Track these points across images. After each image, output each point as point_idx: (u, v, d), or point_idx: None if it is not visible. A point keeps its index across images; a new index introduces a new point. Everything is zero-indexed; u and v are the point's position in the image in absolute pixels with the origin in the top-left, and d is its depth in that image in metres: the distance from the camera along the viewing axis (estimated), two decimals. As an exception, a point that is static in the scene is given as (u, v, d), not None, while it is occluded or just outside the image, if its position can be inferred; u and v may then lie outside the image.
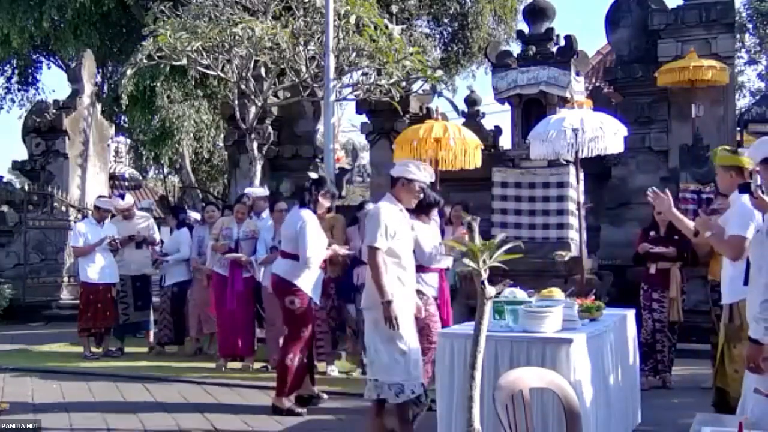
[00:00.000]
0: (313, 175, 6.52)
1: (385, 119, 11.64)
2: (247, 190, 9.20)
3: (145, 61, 9.70)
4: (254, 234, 8.11)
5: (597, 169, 10.18)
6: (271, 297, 7.94)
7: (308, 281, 6.16)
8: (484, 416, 3.64)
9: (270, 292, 7.91)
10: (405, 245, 4.98)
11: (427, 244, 5.90)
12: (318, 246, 6.16)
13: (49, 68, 21.87)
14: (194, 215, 9.36)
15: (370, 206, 7.81)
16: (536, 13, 10.18)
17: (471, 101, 12.82)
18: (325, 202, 6.40)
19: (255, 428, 5.68)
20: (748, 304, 3.79)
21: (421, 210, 5.86)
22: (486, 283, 3.01)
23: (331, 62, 9.12)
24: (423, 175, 5.08)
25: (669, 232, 7.08)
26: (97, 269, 8.81)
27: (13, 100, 21.35)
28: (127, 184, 20.31)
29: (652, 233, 7.17)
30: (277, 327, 7.98)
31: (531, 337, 4.15)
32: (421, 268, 5.76)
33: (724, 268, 4.85)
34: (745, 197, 4.47)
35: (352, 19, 9.39)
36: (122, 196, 9.72)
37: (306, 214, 6.14)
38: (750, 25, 25.31)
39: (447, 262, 6.13)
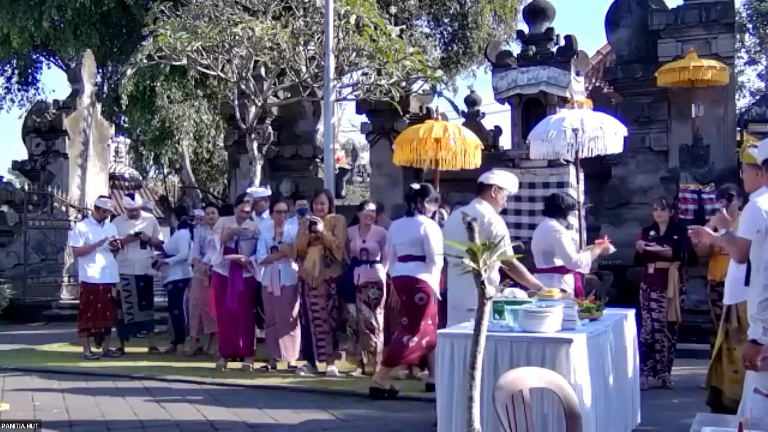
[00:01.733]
0: (416, 186, 6.85)
1: (385, 119, 11.65)
2: (249, 190, 9.21)
3: (145, 61, 9.71)
4: (254, 234, 8.12)
5: (597, 169, 10.18)
6: (271, 297, 7.98)
7: (436, 278, 6.54)
8: (484, 416, 3.64)
9: (270, 292, 7.96)
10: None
11: (572, 248, 6.08)
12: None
13: (49, 68, 21.88)
14: (202, 214, 9.38)
15: (371, 206, 7.85)
16: (536, 13, 10.20)
17: (471, 101, 12.83)
18: (430, 208, 6.66)
19: (255, 428, 5.68)
20: (748, 304, 3.79)
21: (559, 212, 6.16)
22: (486, 283, 3.01)
23: (331, 62, 9.12)
24: (512, 184, 5.51)
25: (669, 232, 7.08)
26: (98, 269, 8.81)
27: (13, 100, 21.36)
28: (127, 184, 20.35)
29: (652, 233, 7.16)
30: (276, 327, 8.01)
31: (531, 337, 4.15)
32: (562, 269, 6.01)
33: (729, 269, 4.86)
34: (760, 198, 4.42)
35: (352, 19, 9.40)
36: (132, 196, 9.75)
37: (424, 219, 6.49)
38: (750, 25, 25.28)
39: (587, 268, 6.28)
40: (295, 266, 7.88)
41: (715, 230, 5.48)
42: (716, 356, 4.97)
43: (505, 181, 5.57)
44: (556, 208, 6.20)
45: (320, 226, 7.40)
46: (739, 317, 4.74)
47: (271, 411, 6.18)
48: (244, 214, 8.15)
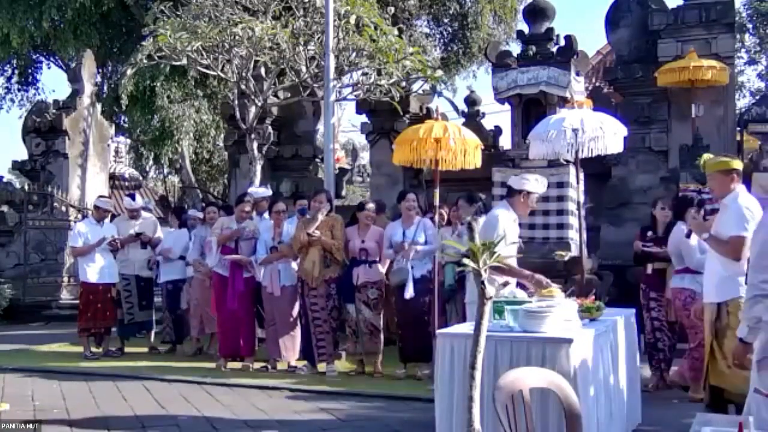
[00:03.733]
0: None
1: (385, 119, 11.64)
2: (250, 190, 9.21)
3: (145, 61, 9.70)
4: (254, 234, 8.11)
5: (597, 169, 10.17)
6: (271, 297, 7.98)
7: None
8: (484, 416, 3.64)
9: (270, 292, 7.95)
10: (510, 252, 5.36)
11: (695, 248, 6.25)
12: None
13: (49, 68, 21.87)
14: (198, 215, 9.36)
15: (370, 206, 7.86)
16: (536, 13, 10.18)
17: (471, 101, 12.82)
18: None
19: (255, 428, 5.68)
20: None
21: (680, 210, 6.35)
22: (486, 283, 3.01)
23: (331, 62, 9.12)
24: (540, 187, 5.49)
25: (667, 233, 7.07)
26: (97, 269, 8.80)
27: (13, 100, 21.35)
28: (127, 184, 20.35)
29: (649, 233, 7.16)
30: (276, 327, 8.00)
31: (531, 337, 4.15)
32: (690, 270, 6.26)
33: (711, 267, 4.94)
34: (741, 198, 4.57)
35: (352, 19, 9.40)
36: (132, 197, 9.72)
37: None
38: (750, 25, 25.29)
39: None
40: (294, 266, 7.88)
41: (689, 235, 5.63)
42: (710, 356, 4.97)
43: (535, 186, 5.53)
44: (680, 210, 6.41)
45: (317, 233, 7.41)
46: (729, 313, 4.78)
47: (271, 411, 6.18)
48: (245, 214, 8.15)
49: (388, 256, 7.57)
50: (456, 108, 12.14)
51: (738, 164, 4.93)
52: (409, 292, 7.26)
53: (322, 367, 7.73)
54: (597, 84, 16.15)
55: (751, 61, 26.28)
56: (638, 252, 7.10)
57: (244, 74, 10.15)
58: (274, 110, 12.54)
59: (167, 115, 18.84)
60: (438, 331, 4.69)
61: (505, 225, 5.27)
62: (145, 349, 9.31)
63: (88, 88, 14.74)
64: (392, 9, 10.85)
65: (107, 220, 9.17)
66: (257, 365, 8.08)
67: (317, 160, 13.00)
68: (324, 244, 7.48)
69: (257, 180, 10.37)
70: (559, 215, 9.34)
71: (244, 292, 8.07)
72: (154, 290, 9.83)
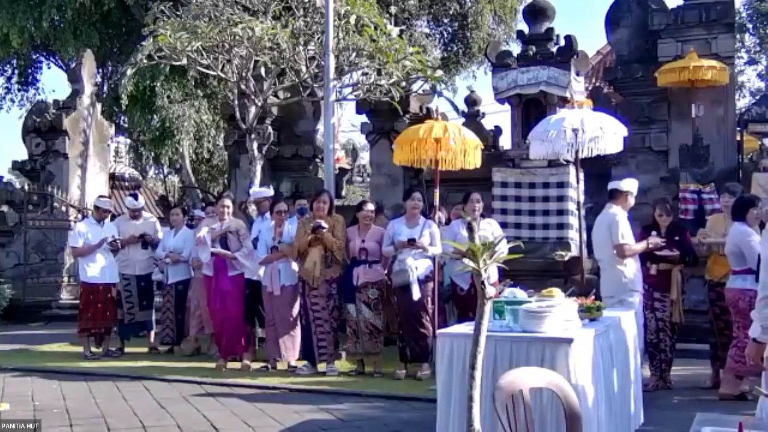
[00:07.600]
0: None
1: (385, 119, 11.63)
2: (252, 190, 9.20)
3: (145, 61, 9.70)
4: (236, 229, 8.11)
5: (597, 169, 10.16)
6: (271, 297, 7.98)
7: None
8: (484, 416, 3.64)
9: (270, 292, 7.95)
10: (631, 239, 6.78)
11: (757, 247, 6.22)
12: None
13: (49, 68, 21.90)
14: (202, 214, 9.34)
15: (370, 206, 7.87)
16: (536, 13, 10.19)
17: (471, 101, 12.81)
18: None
19: (255, 428, 5.68)
20: None
21: (739, 212, 6.46)
22: (486, 283, 3.01)
23: (331, 62, 9.12)
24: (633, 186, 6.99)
25: (669, 233, 7.08)
26: (97, 269, 8.80)
27: (13, 100, 21.38)
28: (127, 184, 20.35)
29: (653, 233, 7.16)
30: (276, 327, 8.00)
31: (531, 337, 4.15)
32: (752, 270, 6.21)
33: None
34: None
35: (352, 19, 9.39)
36: (135, 196, 9.68)
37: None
38: (750, 25, 25.33)
39: None
40: (294, 266, 7.89)
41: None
42: None
43: (633, 186, 7.04)
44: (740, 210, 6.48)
45: (325, 228, 7.43)
46: None
47: (271, 411, 6.18)
48: (225, 211, 8.12)
49: (386, 253, 7.58)
50: (456, 108, 12.11)
51: None
52: (416, 294, 7.26)
53: (322, 367, 7.73)
54: (597, 84, 16.14)
55: (751, 61, 26.32)
56: (651, 246, 7.06)
57: (244, 74, 10.14)
58: (274, 110, 12.54)
59: (167, 115, 18.85)
60: (438, 331, 4.70)
61: (622, 219, 6.72)
62: (145, 349, 9.31)
63: (88, 88, 14.74)
64: (394, 8, 10.83)
65: (107, 220, 9.17)
66: (257, 365, 8.08)
67: (317, 160, 13.00)
68: (326, 242, 7.49)
69: (257, 180, 10.37)
70: (559, 215, 9.34)
71: (231, 291, 8.05)
72: (159, 291, 9.81)
